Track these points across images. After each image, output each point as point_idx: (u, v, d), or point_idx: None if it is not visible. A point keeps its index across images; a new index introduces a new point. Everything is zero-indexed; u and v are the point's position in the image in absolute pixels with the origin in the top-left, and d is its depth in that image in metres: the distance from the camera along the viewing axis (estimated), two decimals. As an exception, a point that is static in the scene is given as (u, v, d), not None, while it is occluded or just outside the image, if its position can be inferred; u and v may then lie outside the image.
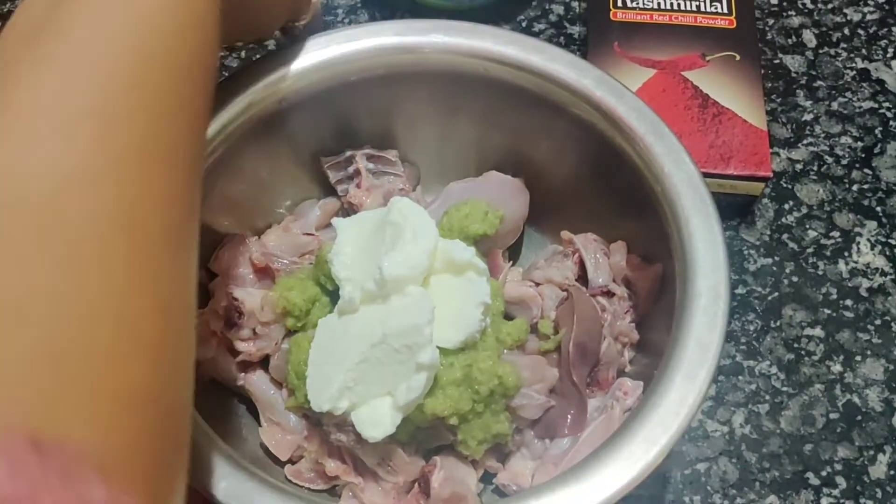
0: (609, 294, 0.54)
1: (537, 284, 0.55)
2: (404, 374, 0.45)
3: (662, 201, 0.50)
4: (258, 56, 0.56)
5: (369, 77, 0.55)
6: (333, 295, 0.51)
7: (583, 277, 0.55)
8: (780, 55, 0.73)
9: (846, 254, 0.65)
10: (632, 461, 0.41)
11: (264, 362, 0.53)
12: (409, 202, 0.50)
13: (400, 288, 0.46)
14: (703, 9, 0.69)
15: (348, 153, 0.58)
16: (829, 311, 0.62)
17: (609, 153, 0.53)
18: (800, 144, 0.69)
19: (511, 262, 0.58)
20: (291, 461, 0.52)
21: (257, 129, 0.53)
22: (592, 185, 0.56)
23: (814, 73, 0.72)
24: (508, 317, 0.54)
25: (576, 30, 0.74)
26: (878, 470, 0.57)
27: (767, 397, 0.59)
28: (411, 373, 0.45)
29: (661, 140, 0.51)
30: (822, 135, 0.70)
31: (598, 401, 0.51)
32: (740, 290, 0.63)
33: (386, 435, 0.45)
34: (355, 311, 0.47)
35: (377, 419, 0.45)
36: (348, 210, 0.58)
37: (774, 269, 0.64)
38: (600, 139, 0.53)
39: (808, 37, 0.74)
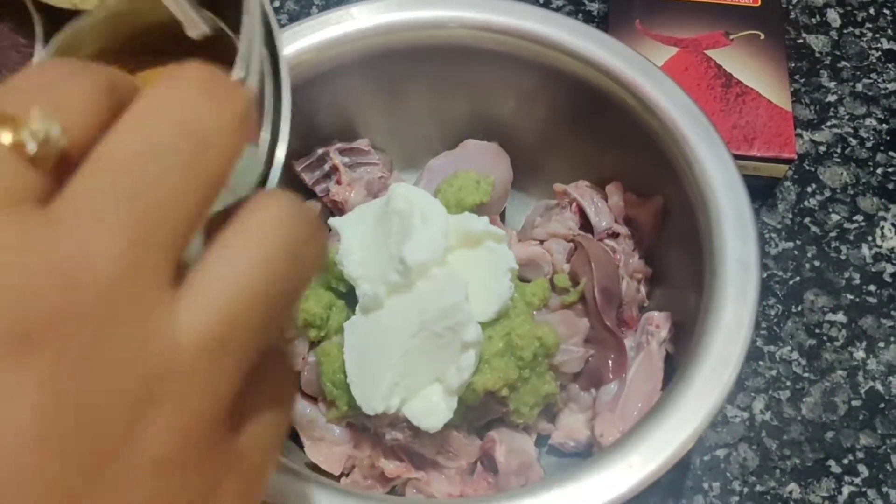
0: (614, 235, 0.54)
1: (541, 242, 0.55)
2: (450, 356, 0.44)
3: (660, 132, 0.50)
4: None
5: (331, 68, 0.54)
6: (347, 297, 0.50)
7: (585, 225, 0.55)
8: (804, 35, 0.72)
9: (869, 238, 0.63)
10: (713, 382, 0.42)
11: None
12: (408, 186, 0.49)
13: (424, 273, 0.45)
14: (726, -14, 0.67)
15: (320, 151, 0.57)
16: (851, 297, 0.61)
17: (588, 97, 0.53)
18: (823, 126, 0.68)
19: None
20: (344, 474, 0.50)
21: None
22: (572, 133, 0.56)
23: (838, 53, 0.71)
24: (521, 279, 0.53)
25: (595, 6, 0.73)
26: (901, 458, 0.56)
27: (788, 383, 0.58)
28: (458, 353, 0.44)
29: (646, 74, 0.51)
30: (847, 116, 0.68)
31: (631, 340, 0.52)
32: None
33: (445, 422, 0.45)
34: (381, 306, 0.45)
35: (431, 408, 0.45)
36: (332, 209, 0.57)
37: (796, 253, 0.63)
38: (577, 85, 0.53)
39: (833, 16, 0.73)
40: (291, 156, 0.57)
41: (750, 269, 0.45)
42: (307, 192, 0.58)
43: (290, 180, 0.58)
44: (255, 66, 0.31)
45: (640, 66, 0.51)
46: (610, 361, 0.51)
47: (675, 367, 0.50)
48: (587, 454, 0.51)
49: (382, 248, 0.47)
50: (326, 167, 0.57)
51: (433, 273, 0.46)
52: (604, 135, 0.54)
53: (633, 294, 0.53)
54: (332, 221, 0.50)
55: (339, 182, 0.56)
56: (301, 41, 0.52)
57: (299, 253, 0.20)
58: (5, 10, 0.38)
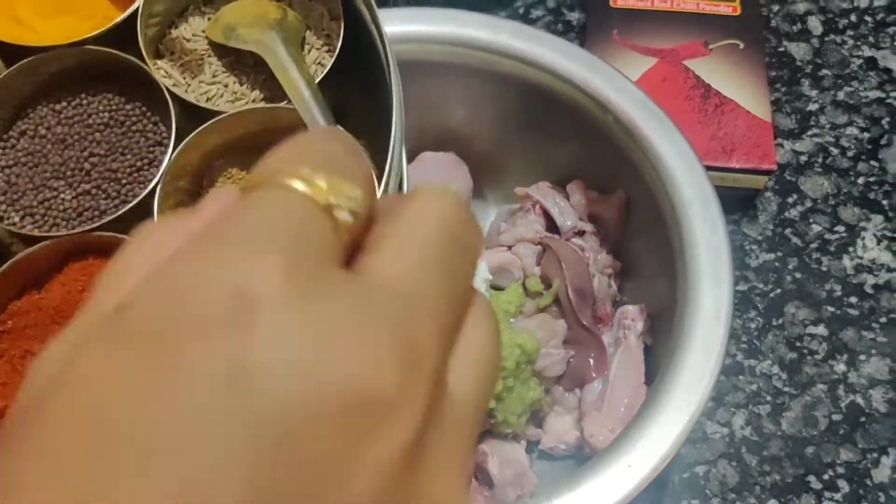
0: (581, 233, 0.55)
1: (509, 248, 0.55)
2: None
3: (614, 126, 0.50)
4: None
5: None
6: None
7: (550, 226, 0.55)
8: (785, 43, 0.71)
9: (851, 249, 0.63)
10: (701, 370, 0.42)
11: None
12: None
13: None
14: (705, -5, 0.67)
15: None
16: (832, 309, 0.61)
17: (538, 98, 0.53)
18: (804, 135, 0.67)
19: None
20: None
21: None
22: (526, 136, 0.56)
23: (819, 61, 0.70)
24: (494, 287, 0.53)
25: (574, 16, 0.72)
26: (882, 473, 0.55)
27: (769, 398, 0.58)
28: None
29: (596, 72, 0.51)
30: (828, 125, 0.68)
31: (608, 336, 0.52)
32: (741, 287, 0.61)
33: None
34: None
35: None
36: None
37: (777, 264, 0.62)
38: (526, 88, 0.53)
39: (814, 23, 0.72)
40: None
41: (721, 252, 0.45)
42: None
43: None
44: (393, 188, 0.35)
45: (588, 64, 0.51)
46: (591, 360, 0.51)
47: (656, 358, 0.50)
48: (578, 456, 0.51)
49: None
50: None
51: None
52: (558, 134, 0.54)
53: (606, 290, 0.54)
54: None
55: None
56: None
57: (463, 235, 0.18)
58: (138, 92, 0.40)
